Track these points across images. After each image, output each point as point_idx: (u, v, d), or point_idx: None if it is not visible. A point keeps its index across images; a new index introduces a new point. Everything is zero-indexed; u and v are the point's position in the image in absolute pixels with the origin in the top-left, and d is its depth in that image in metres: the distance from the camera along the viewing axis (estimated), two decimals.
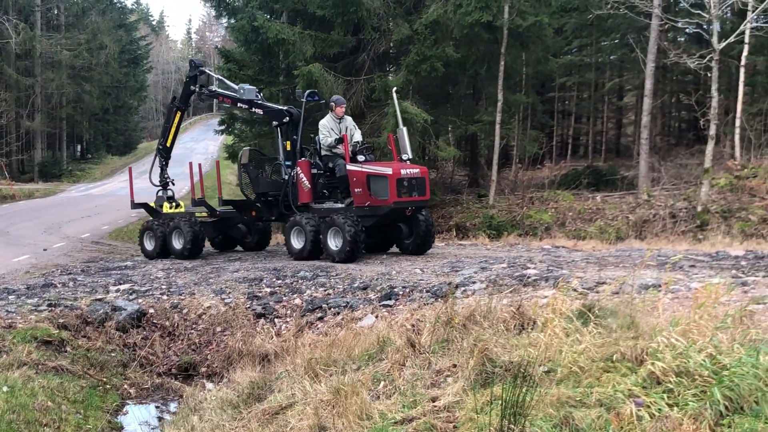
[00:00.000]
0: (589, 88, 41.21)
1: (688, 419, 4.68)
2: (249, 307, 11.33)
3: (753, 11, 18.88)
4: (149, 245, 17.04)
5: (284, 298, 11.48)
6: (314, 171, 14.92)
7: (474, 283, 10.57)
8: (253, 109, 15.99)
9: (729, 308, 6.46)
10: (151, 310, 11.47)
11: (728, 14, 24.99)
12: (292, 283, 12.17)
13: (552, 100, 42.09)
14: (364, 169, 13.86)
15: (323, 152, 14.84)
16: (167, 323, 11.23)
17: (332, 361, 7.90)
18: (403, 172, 13.68)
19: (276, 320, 10.95)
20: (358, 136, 15.03)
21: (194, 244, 16.28)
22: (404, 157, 14.21)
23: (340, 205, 14.44)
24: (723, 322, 5.50)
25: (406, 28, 22.89)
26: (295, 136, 15.07)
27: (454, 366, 6.42)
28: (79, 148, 71.46)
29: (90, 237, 23.14)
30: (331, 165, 14.62)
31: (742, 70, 19.91)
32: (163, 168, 17.59)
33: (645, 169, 24.35)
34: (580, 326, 6.06)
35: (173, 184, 17.90)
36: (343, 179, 14.26)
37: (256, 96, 15.75)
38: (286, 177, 15.16)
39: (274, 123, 15.48)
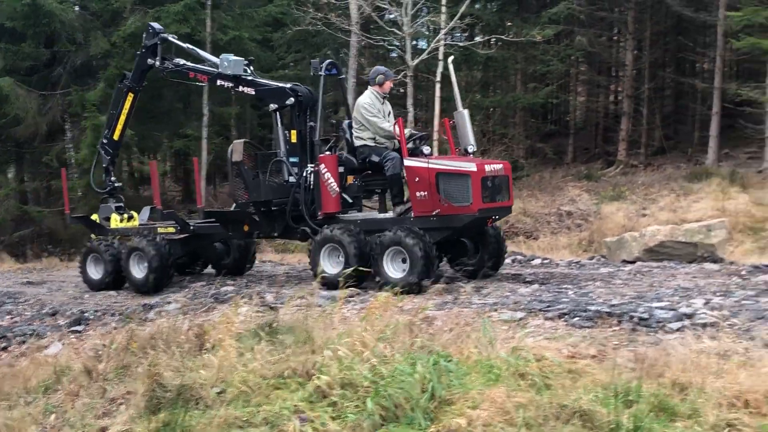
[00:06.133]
0: None
1: (348, 431, 4.83)
2: None
3: (445, 29, 20.16)
4: (95, 273, 12.83)
5: None
6: (341, 169, 11.12)
7: (170, 303, 10.33)
8: (241, 88, 12.09)
9: (404, 318, 6.74)
10: None
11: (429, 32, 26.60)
12: None
13: (268, 114, 42.33)
14: (432, 166, 10.26)
15: (359, 143, 11.06)
16: None
17: (5, 395, 7.39)
18: (487, 168, 10.34)
19: None
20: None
21: (161, 271, 12.10)
22: (469, 149, 10.87)
23: (387, 215, 11.10)
24: (384, 333, 5.74)
25: (105, 41, 22.18)
26: (312, 123, 11.40)
27: (129, 393, 6.26)
28: None
29: None
30: (375, 159, 10.88)
31: (437, 86, 21.25)
32: (109, 169, 13.58)
33: None
34: (255, 344, 6.10)
35: (121, 190, 14.10)
36: (396, 179, 10.77)
37: (245, 70, 12.07)
38: (292, 179, 11.40)
39: (272, 106, 11.74)
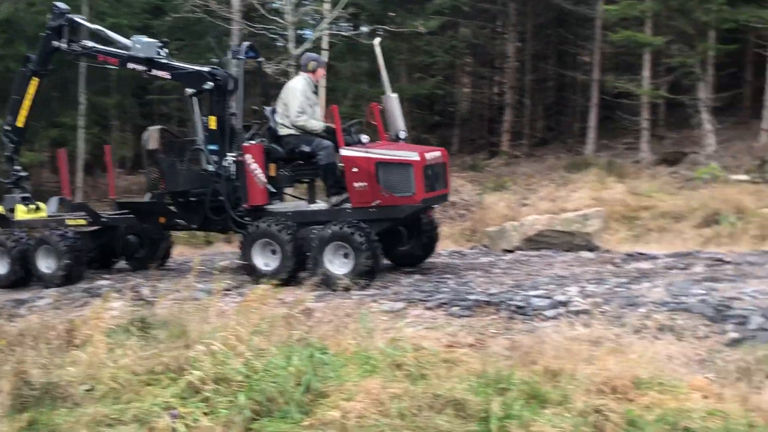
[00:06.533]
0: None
1: (221, 427, 4.76)
2: None
3: (328, 19, 20.08)
4: None
5: None
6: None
7: (42, 298, 9.95)
8: (155, 72, 11.37)
9: (282, 310, 6.68)
10: None
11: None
12: None
13: (152, 103, 41.33)
14: (371, 155, 9.78)
15: (285, 131, 10.44)
16: None
17: None
18: (428, 156, 9.98)
19: None
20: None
21: (74, 265, 11.24)
22: (401, 135, 10.46)
23: (320, 206, 10.57)
24: (259, 326, 5.66)
25: None
26: (231, 111, 10.84)
27: None
28: None
29: None
30: (305, 149, 10.33)
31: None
32: (13, 158, 12.71)
33: None
34: (126, 340, 5.92)
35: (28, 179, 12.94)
36: (332, 170, 10.26)
37: (158, 52, 11.27)
38: (211, 168, 10.75)
39: (189, 91, 11.08)
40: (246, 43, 11.27)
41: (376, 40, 11.04)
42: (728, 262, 9.98)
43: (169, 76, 11.33)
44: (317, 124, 10.31)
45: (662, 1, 20.71)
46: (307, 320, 7.04)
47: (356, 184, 9.74)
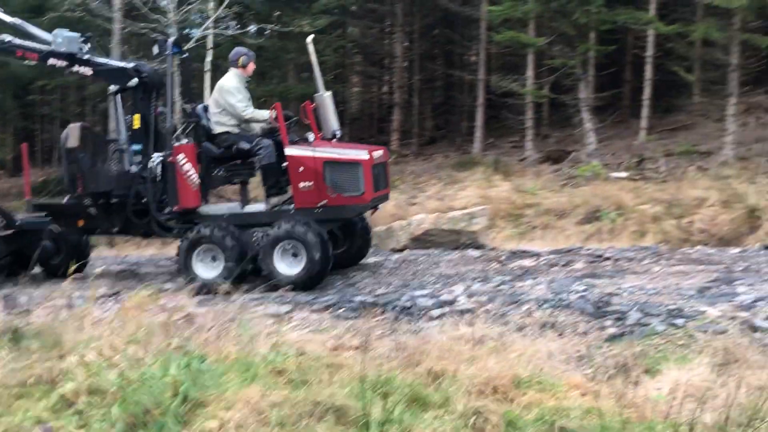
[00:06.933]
0: (75, 92, 39.87)
1: None
2: None
3: (212, 17, 19.81)
4: None
5: None
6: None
7: None
8: (77, 68, 10.72)
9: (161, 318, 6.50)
10: None
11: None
12: None
13: (33, 104, 39.92)
14: (318, 154, 9.55)
15: (220, 128, 10.06)
16: None
17: None
18: (374, 155, 9.84)
19: None
20: None
21: None
22: (337, 134, 10.14)
23: (257, 208, 10.18)
24: (135, 335, 5.48)
25: None
26: (160, 108, 10.46)
27: None
28: None
29: None
30: (244, 147, 9.93)
31: (207, 75, 20.77)
32: None
33: None
34: None
35: None
36: (273, 169, 9.89)
37: (80, 48, 10.67)
38: (133, 168, 10.34)
39: (112, 88, 10.75)
40: (172, 38, 10.95)
41: (309, 38, 10.59)
42: (608, 258, 10.26)
43: (91, 72, 10.74)
44: (265, 113, 9.98)
45: (544, 3, 21.15)
46: (189, 327, 6.87)
47: (302, 184, 9.51)
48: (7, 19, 11.57)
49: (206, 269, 9.50)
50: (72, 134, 10.71)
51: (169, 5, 19.21)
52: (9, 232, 11.09)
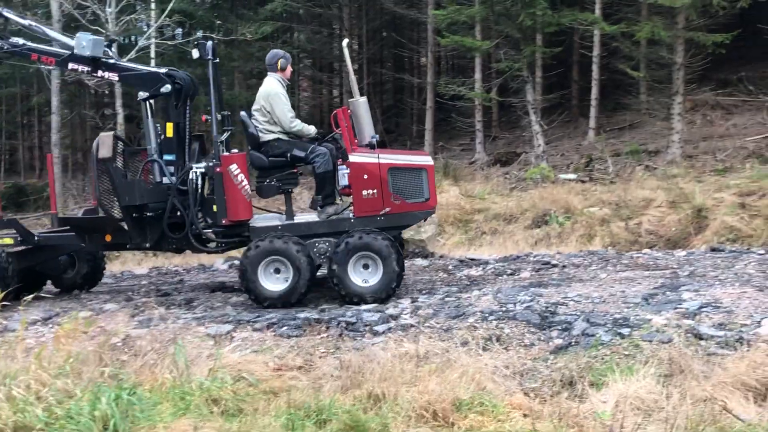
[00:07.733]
0: (16, 102, 39.12)
1: None
2: None
3: (153, 26, 19.50)
4: None
5: None
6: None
7: None
8: (101, 73, 10.05)
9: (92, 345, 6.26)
10: None
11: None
12: None
13: None
14: (383, 161, 9.31)
15: (270, 136, 9.62)
16: None
17: None
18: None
19: None
20: None
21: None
22: (372, 140, 9.56)
23: (310, 218, 9.73)
24: (64, 368, 5.26)
25: None
26: (192, 115, 9.97)
27: None
28: None
29: None
30: (299, 154, 9.52)
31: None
32: None
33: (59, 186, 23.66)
34: None
35: None
36: (330, 178, 9.55)
37: (105, 51, 9.99)
38: (167, 180, 9.67)
39: (142, 95, 9.95)
40: (210, 42, 9.90)
41: (345, 42, 10.31)
42: (555, 265, 10.24)
43: (117, 78, 10.12)
44: (312, 129, 9.77)
45: (489, 6, 21.14)
46: (125, 352, 6.66)
47: (365, 192, 9.22)
48: (22, 21, 10.95)
49: (272, 283, 9.04)
50: (104, 144, 9.98)
51: (107, 15, 18.75)
52: (24, 248, 10.50)
